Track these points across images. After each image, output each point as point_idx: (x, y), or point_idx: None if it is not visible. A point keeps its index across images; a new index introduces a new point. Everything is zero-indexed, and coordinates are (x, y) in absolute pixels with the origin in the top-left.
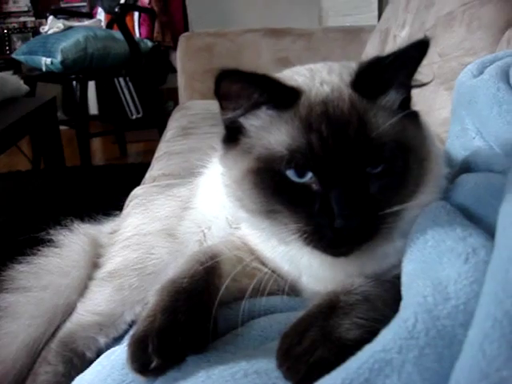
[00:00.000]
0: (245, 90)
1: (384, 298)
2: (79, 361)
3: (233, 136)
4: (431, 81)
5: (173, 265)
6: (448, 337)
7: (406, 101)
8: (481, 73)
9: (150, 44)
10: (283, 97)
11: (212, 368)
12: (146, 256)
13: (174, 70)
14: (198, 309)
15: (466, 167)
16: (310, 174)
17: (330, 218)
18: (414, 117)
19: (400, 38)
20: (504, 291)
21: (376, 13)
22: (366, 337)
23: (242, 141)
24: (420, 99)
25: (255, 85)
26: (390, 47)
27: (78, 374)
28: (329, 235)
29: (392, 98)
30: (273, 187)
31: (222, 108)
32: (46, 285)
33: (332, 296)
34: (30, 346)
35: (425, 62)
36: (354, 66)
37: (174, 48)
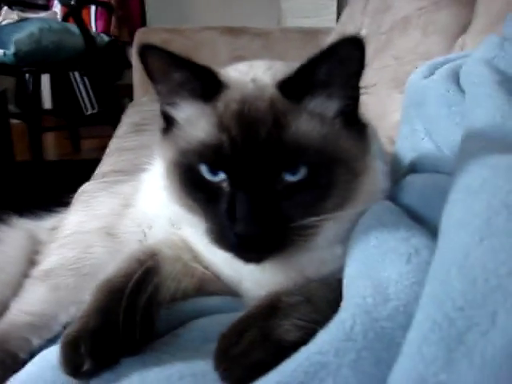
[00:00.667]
0: (169, 69)
1: (328, 300)
2: (12, 362)
3: (167, 126)
4: (373, 85)
5: (111, 265)
6: (387, 339)
7: (349, 112)
8: (431, 74)
9: (106, 39)
10: (207, 89)
11: (147, 370)
12: (84, 255)
13: (131, 66)
14: (133, 309)
15: (413, 168)
16: (222, 174)
17: (231, 220)
18: (358, 130)
19: None
20: (444, 293)
21: (334, 16)
22: (307, 338)
23: (172, 132)
24: (374, 102)
25: (178, 66)
26: None
27: (11, 374)
28: (231, 238)
29: (322, 103)
30: (189, 183)
31: (156, 92)
32: None
33: (273, 297)
34: None
35: (380, 65)
36: (293, 66)
37: (131, 43)
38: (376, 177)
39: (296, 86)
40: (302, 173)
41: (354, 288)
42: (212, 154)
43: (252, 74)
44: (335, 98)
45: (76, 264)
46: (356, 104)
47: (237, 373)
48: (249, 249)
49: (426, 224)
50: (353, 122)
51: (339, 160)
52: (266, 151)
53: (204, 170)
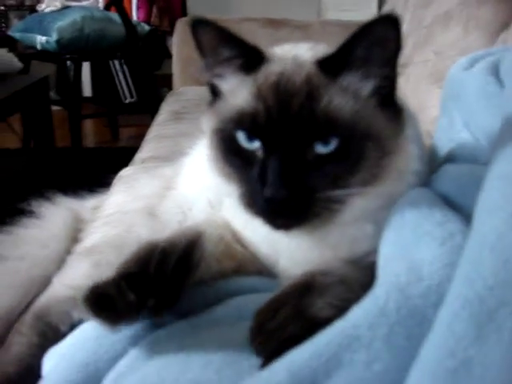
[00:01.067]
0: (217, 43)
1: (362, 281)
2: (53, 334)
3: (213, 97)
4: (405, 64)
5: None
6: (419, 316)
7: (386, 92)
8: (471, 66)
9: (147, 28)
10: (251, 59)
11: (185, 341)
12: (126, 234)
13: (170, 56)
14: (171, 270)
15: (451, 158)
16: (257, 142)
17: (262, 184)
18: (395, 111)
19: None
20: (476, 273)
21: (375, 10)
22: (339, 316)
23: (217, 103)
24: (414, 96)
25: (226, 40)
26: None
27: (51, 346)
28: (260, 202)
29: (358, 81)
30: (227, 150)
31: (205, 66)
32: (23, 255)
33: (308, 276)
34: (4, 315)
35: (420, 59)
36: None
37: (171, 33)
38: (408, 158)
39: (333, 63)
40: (332, 145)
41: (388, 267)
42: (249, 122)
43: (294, 52)
44: (371, 77)
45: (118, 241)
46: (392, 85)
47: (271, 346)
48: (276, 213)
49: (462, 211)
50: (388, 102)
51: (370, 136)
52: (298, 121)
53: (241, 137)
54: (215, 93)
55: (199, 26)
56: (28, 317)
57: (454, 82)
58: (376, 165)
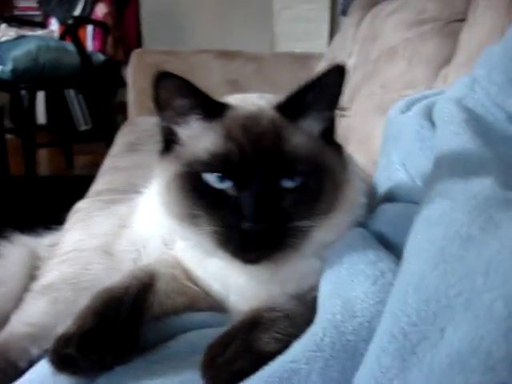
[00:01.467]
0: (179, 94)
1: (305, 316)
2: (12, 370)
3: (168, 145)
4: (348, 108)
5: (107, 281)
6: (351, 350)
7: (328, 131)
8: (408, 109)
9: (102, 57)
10: (214, 108)
11: (139, 377)
12: (82, 271)
13: (125, 84)
14: (127, 319)
15: (389, 197)
16: (227, 182)
17: (239, 219)
18: (337, 148)
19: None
20: (401, 310)
21: (326, 40)
22: (283, 350)
23: (175, 148)
24: (360, 128)
25: (187, 90)
26: None
27: (10, 382)
28: (237, 236)
29: (312, 123)
30: (195, 191)
31: (160, 116)
32: None
33: (255, 312)
34: None
35: (367, 92)
36: (283, 96)
37: (126, 63)
38: (355, 190)
39: (291, 108)
40: (297, 179)
41: (326, 305)
42: (220, 162)
43: (249, 100)
44: (320, 119)
45: (75, 279)
46: (333, 124)
47: (222, 380)
48: (252, 246)
49: (395, 249)
50: (331, 140)
51: (326, 170)
52: (270, 159)
53: (210, 178)
54: (170, 140)
55: (163, 79)
56: None
57: (393, 124)
58: (333, 196)
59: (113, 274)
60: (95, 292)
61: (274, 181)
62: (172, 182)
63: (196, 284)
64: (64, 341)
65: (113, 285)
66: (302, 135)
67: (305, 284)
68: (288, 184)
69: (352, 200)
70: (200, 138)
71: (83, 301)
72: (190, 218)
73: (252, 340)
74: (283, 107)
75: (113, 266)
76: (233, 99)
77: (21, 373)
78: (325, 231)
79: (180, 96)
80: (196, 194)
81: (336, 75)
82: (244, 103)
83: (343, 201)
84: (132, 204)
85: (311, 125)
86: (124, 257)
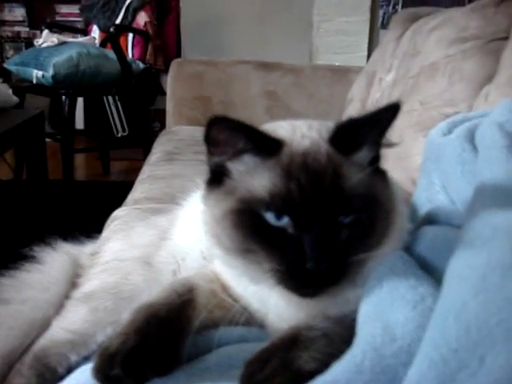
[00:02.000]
0: (233, 138)
1: (342, 335)
2: (51, 376)
3: (217, 178)
4: (399, 143)
5: (147, 291)
6: (391, 374)
7: (376, 159)
8: (450, 132)
9: (141, 66)
10: (267, 146)
11: (188, 381)
12: (123, 281)
13: (163, 93)
14: (168, 336)
15: (429, 219)
16: (286, 219)
17: (302, 259)
18: (383, 175)
19: (385, 81)
20: (441, 337)
21: (365, 53)
22: (322, 369)
23: (226, 182)
24: (400, 145)
25: (242, 133)
26: (376, 90)
27: None
28: (300, 276)
29: (364, 155)
30: (251, 228)
31: (210, 152)
32: (25, 298)
33: (295, 330)
34: (6, 356)
35: (407, 108)
36: (331, 124)
37: (165, 71)
38: (401, 217)
39: (346, 142)
40: (353, 214)
41: (366, 328)
42: (280, 201)
43: (299, 132)
44: (371, 150)
45: (115, 289)
46: (380, 152)
47: None
48: (315, 284)
49: (435, 273)
50: (378, 168)
51: (377, 201)
52: (330, 197)
53: (268, 215)
54: (221, 173)
55: (217, 123)
56: (28, 358)
57: (434, 145)
58: (384, 226)
59: (153, 285)
60: (137, 307)
61: (334, 217)
62: (225, 217)
63: (234, 300)
64: (108, 359)
65: (154, 300)
66: (356, 170)
67: (347, 309)
68: (345, 220)
69: (400, 227)
70: (255, 175)
71: (123, 311)
72: (244, 253)
73: (291, 358)
74: (337, 141)
75: (153, 277)
76: (282, 130)
77: (59, 378)
78: (377, 262)
79: (233, 138)
80: (253, 231)
81: (392, 112)
82: (295, 136)
83: (393, 229)
84: (172, 216)
85: (363, 157)
86: (164, 268)
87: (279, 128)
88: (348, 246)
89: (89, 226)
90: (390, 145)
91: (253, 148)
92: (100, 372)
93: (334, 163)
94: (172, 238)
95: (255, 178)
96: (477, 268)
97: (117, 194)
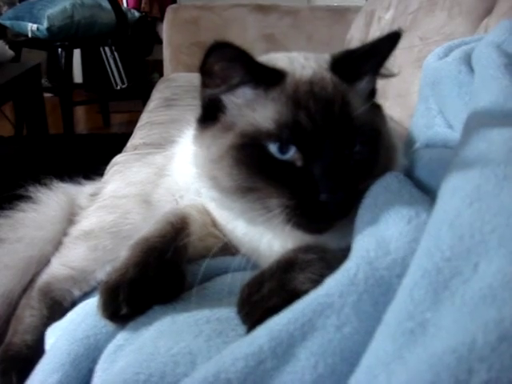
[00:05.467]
0: (231, 68)
1: (340, 260)
2: (58, 308)
3: (211, 114)
4: (398, 73)
5: (146, 230)
6: (385, 285)
7: (373, 92)
8: (446, 55)
9: (137, 14)
10: (269, 76)
11: (177, 314)
12: (121, 220)
13: (160, 41)
14: (167, 265)
15: (425, 143)
16: (293, 151)
17: (314, 192)
18: (380, 109)
19: (384, 20)
20: (435, 246)
21: None
22: None
23: (221, 118)
24: (399, 81)
25: (242, 64)
26: (375, 29)
27: (59, 318)
28: (313, 209)
29: (365, 85)
30: (256, 163)
31: (204, 84)
32: (20, 237)
33: (291, 254)
34: (5, 295)
35: (406, 44)
36: (326, 56)
37: (161, 19)
38: (398, 151)
39: (348, 70)
40: (360, 144)
41: (360, 243)
42: (288, 131)
43: (297, 63)
44: (370, 81)
45: (114, 228)
46: (376, 84)
47: (256, 316)
48: (329, 217)
49: (430, 193)
50: (375, 102)
51: (379, 131)
52: (340, 126)
53: (273, 148)
54: (215, 108)
55: (218, 48)
56: (34, 293)
57: (430, 70)
58: (386, 156)
59: (151, 223)
60: (133, 242)
61: (344, 146)
62: (225, 154)
63: (224, 235)
64: (112, 296)
65: (149, 233)
66: (360, 99)
67: (344, 243)
68: (353, 148)
69: (398, 161)
70: (256, 107)
71: (122, 249)
72: (246, 192)
73: (287, 279)
74: (340, 69)
75: (151, 215)
76: (279, 61)
77: (64, 311)
78: None
79: (232, 66)
80: (258, 166)
81: (392, 41)
82: (295, 66)
83: (394, 160)
84: (167, 153)
85: (364, 87)
86: (162, 206)
87: (276, 60)
88: (357, 175)
89: (90, 172)
90: (391, 75)
91: (251, 79)
92: (107, 310)
93: (341, 91)
94: (169, 174)
95: (257, 110)
96: (471, 179)
97: (118, 145)
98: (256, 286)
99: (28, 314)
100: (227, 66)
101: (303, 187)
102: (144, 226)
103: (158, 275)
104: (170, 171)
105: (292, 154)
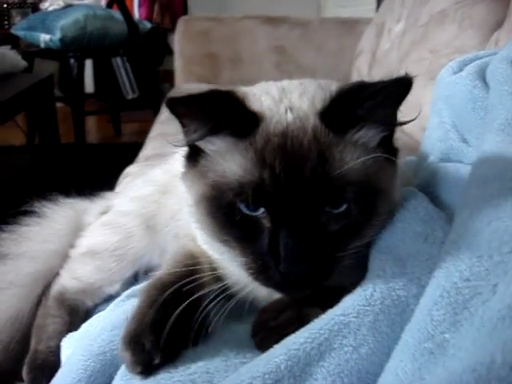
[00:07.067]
0: (200, 116)
1: None
2: (77, 314)
3: (194, 155)
4: (414, 119)
5: (149, 255)
6: (401, 306)
7: (388, 139)
8: (461, 70)
9: (148, 25)
10: (241, 124)
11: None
12: (125, 243)
13: (171, 52)
14: (185, 300)
15: (439, 158)
16: (261, 210)
17: (276, 260)
18: (394, 155)
19: (395, 32)
20: (454, 266)
21: (374, 6)
22: None
23: (200, 163)
24: (410, 94)
25: (211, 111)
26: (385, 40)
27: (80, 324)
28: (275, 277)
29: (367, 134)
30: (224, 218)
31: (183, 126)
32: (23, 251)
33: None
34: (15, 316)
35: (416, 57)
36: (333, 88)
37: (173, 30)
38: (397, 196)
39: (341, 118)
40: (345, 205)
41: (376, 262)
42: (252, 192)
43: (287, 101)
44: (379, 128)
45: (118, 250)
46: (393, 131)
47: (271, 341)
48: (294, 285)
49: (446, 208)
50: (390, 148)
51: (380, 190)
52: (311, 188)
53: (242, 205)
54: (196, 151)
55: (176, 105)
56: (50, 302)
57: (444, 84)
58: (384, 215)
59: (155, 250)
60: (148, 284)
61: (317, 209)
62: (200, 202)
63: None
64: (136, 345)
65: (164, 274)
66: (353, 152)
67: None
68: (334, 210)
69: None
70: (227, 156)
71: (126, 273)
72: (222, 242)
73: (305, 313)
74: (331, 114)
75: (154, 241)
76: (266, 97)
77: (82, 320)
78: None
79: (196, 117)
80: (226, 222)
81: (402, 87)
82: (279, 107)
83: (390, 212)
84: (166, 167)
85: (366, 137)
86: (165, 232)
87: (265, 95)
88: (339, 239)
89: (100, 184)
90: (402, 123)
91: (225, 126)
92: (139, 365)
93: (321, 144)
94: (171, 190)
95: (227, 160)
96: (489, 198)
97: (129, 155)
98: (273, 313)
99: (50, 321)
100: (192, 118)
101: (268, 251)
102: (146, 251)
103: (178, 313)
104: (172, 187)
105: (260, 212)
